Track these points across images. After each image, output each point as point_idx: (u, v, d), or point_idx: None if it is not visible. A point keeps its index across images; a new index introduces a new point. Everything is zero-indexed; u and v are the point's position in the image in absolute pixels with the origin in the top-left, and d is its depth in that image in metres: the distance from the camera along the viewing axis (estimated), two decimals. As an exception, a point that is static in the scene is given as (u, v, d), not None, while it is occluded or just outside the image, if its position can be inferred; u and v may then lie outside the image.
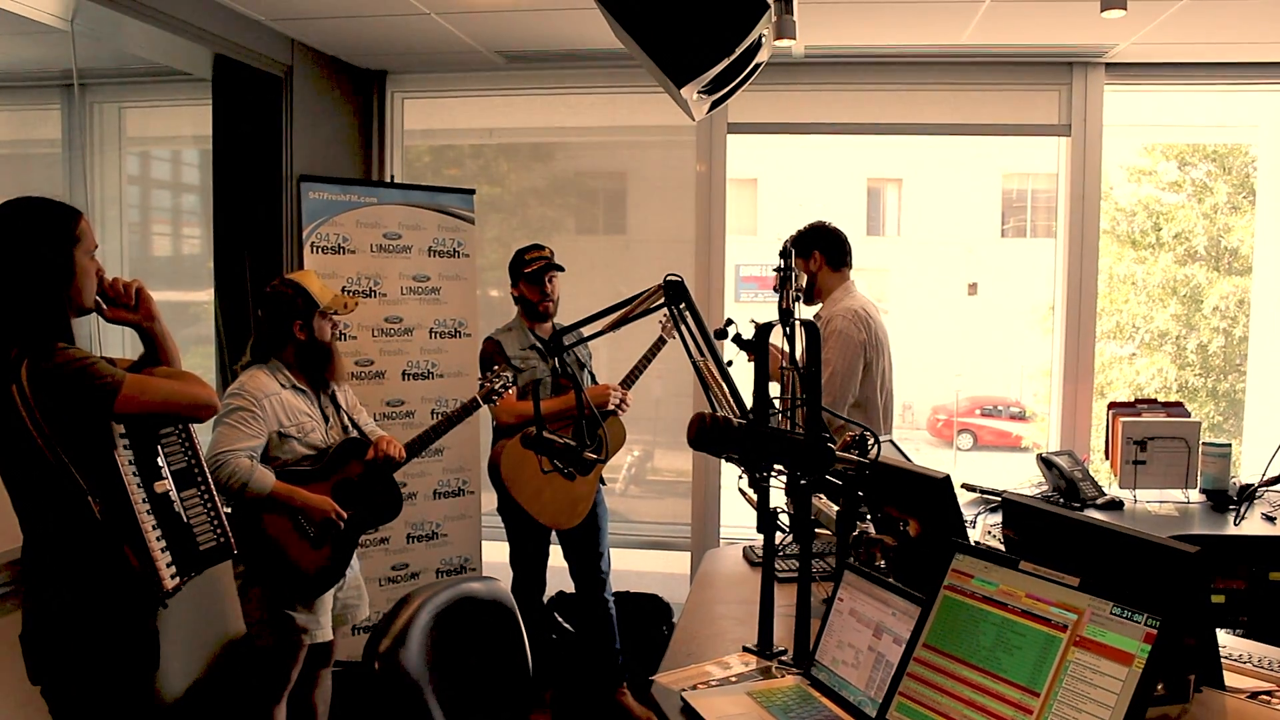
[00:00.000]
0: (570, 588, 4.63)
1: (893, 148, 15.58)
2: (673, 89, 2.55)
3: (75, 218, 2.45)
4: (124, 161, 5.72)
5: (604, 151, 5.83)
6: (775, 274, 2.12)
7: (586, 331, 2.67)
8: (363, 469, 3.53)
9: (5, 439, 2.35)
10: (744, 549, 3.32)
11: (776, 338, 2.28)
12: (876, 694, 2.01)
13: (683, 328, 2.48)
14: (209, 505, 2.62)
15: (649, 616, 4.80)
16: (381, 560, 4.53)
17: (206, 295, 4.69)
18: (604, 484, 4.48)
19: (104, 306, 2.54)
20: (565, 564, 4.51)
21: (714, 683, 2.25)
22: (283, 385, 3.45)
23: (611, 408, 4.21)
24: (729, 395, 2.41)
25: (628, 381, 4.23)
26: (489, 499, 4.58)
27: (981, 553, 1.90)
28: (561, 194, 5.74)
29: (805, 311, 3.99)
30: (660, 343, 4.28)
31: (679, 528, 5.24)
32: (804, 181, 14.36)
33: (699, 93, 2.54)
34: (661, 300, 2.51)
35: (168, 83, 5.05)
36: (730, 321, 3.31)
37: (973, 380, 15.68)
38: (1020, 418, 15.70)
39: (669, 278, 2.50)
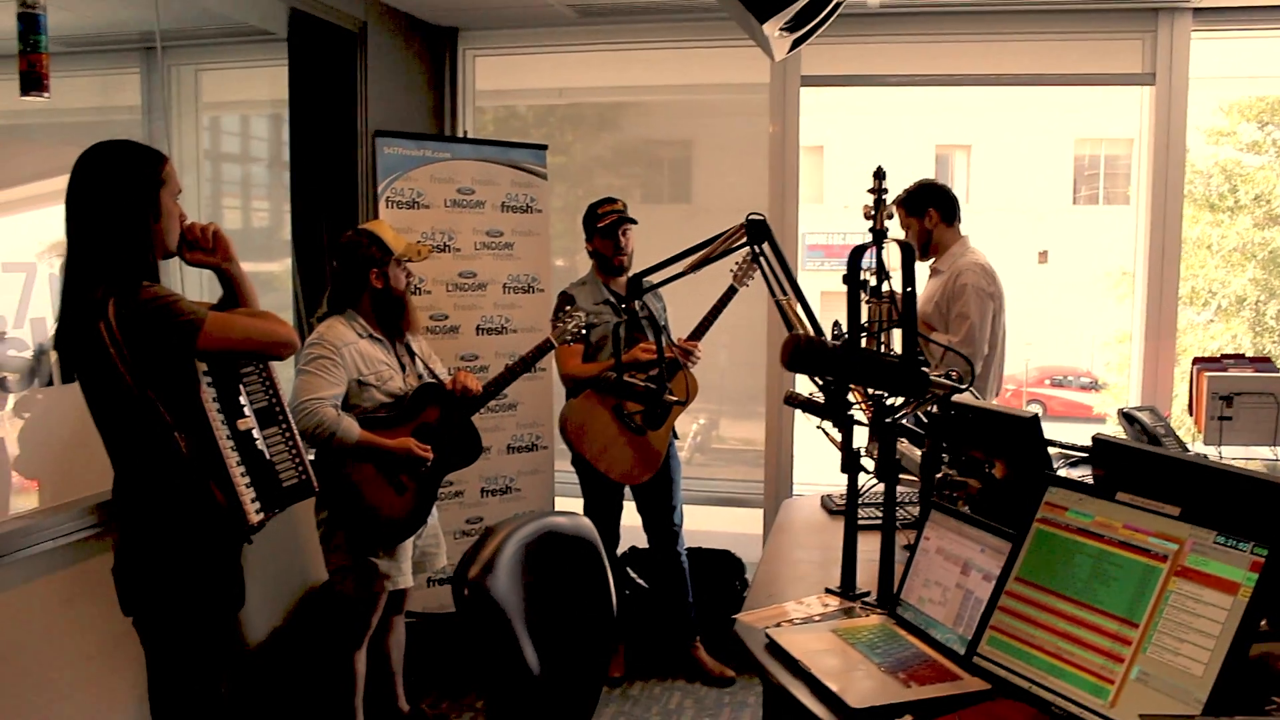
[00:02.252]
0: (643, 544, 4.65)
1: (961, 113, 15.35)
2: (755, 26, 2.52)
3: (161, 161, 2.49)
4: (200, 124, 5.80)
5: (672, 114, 5.79)
6: (870, 194, 2.09)
7: (668, 273, 2.66)
8: (440, 413, 3.56)
9: (95, 377, 2.41)
10: (822, 497, 3.29)
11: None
12: (965, 630, 1.99)
13: (765, 267, 2.46)
14: (290, 444, 2.66)
15: (722, 572, 4.79)
16: (456, 513, 4.58)
17: (281, 265, 4.74)
18: (676, 437, 4.47)
19: (184, 250, 2.58)
20: (639, 520, 4.53)
21: (797, 621, 2.24)
22: (360, 334, 3.48)
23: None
24: (814, 335, 2.39)
25: (697, 333, 4.19)
26: (562, 454, 4.61)
27: (1076, 485, 1.87)
28: (627, 163, 5.72)
29: (921, 267, 3.99)
30: (731, 292, 4.24)
31: (752, 484, 5.22)
32: (872, 148, 14.18)
33: (781, 29, 2.51)
34: (744, 239, 2.50)
35: (244, 43, 5.09)
36: None
37: (1043, 350, 15.45)
38: (1091, 388, 15.45)
39: (751, 216, 2.48)
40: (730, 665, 4.49)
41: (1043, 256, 16.04)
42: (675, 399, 2.68)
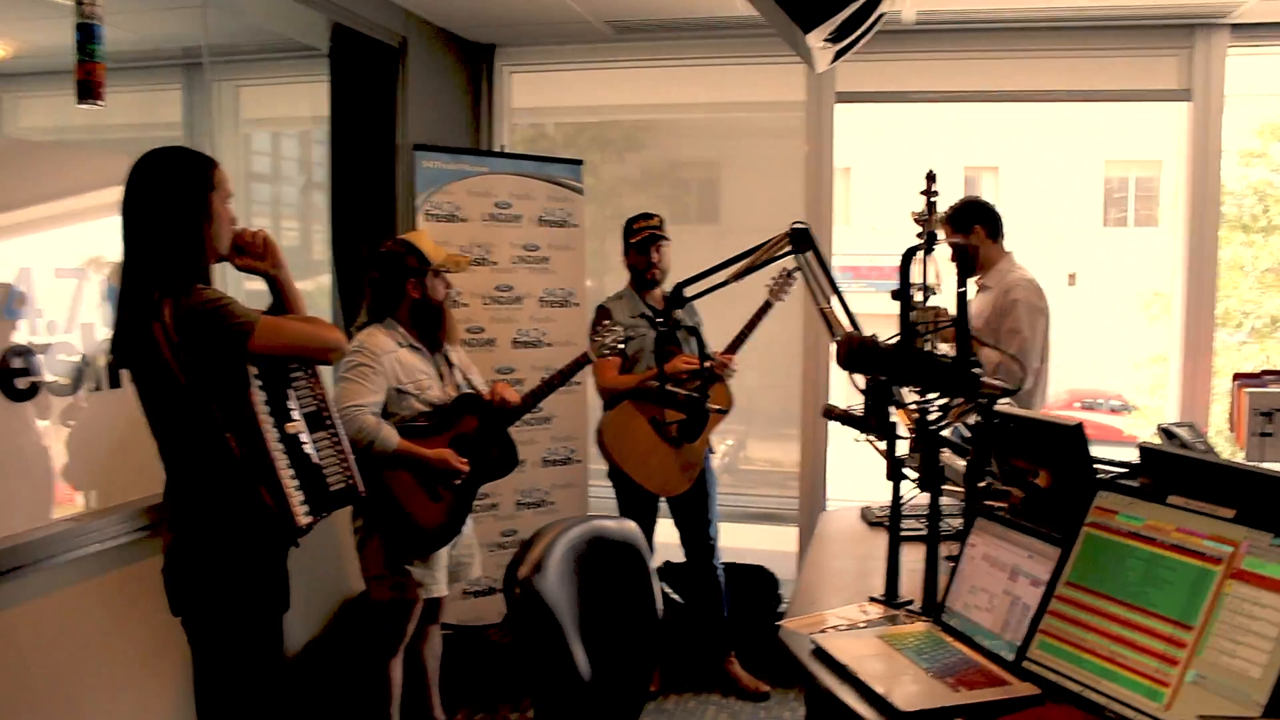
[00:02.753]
0: (677, 558, 4.65)
1: (989, 135, 15.33)
2: (798, 37, 2.54)
3: (212, 166, 2.54)
4: (240, 140, 5.87)
5: (701, 134, 5.82)
6: (922, 195, 2.10)
7: (711, 283, 2.67)
8: (478, 423, 3.58)
9: (150, 377, 2.45)
10: (861, 510, 3.29)
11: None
12: (1013, 637, 1.98)
13: (809, 275, 2.47)
14: (338, 448, 2.68)
15: (756, 587, 4.78)
16: (491, 526, 4.59)
17: (317, 283, 4.78)
18: (712, 451, 4.47)
19: (233, 255, 2.62)
20: (672, 537, 4.53)
21: (842, 628, 2.24)
22: (399, 343, 3.51)
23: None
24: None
25: (733, 346, 4.21)
26: (595, 468, 4.62)
27: (1126, 489, 1.86)
28: (655, 183, 5.75)
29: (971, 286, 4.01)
30: (766, 306, 4.25)
31: (785, 499, 5.21)
32: (899, 170, 14.18)
33: (824, 40, 2.52)
34: (787, 248, 2.51)
35: (285, 59, 5.16)
36: None
37: (1072, 372, 15.35)
38: (1121, 410, 15.33)
39: (795, 225, 2.49)
40: (765, 680, 4.47)
41: (1072, 279, 15.98)
42: (717, 407, 2.69)
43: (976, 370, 1.86)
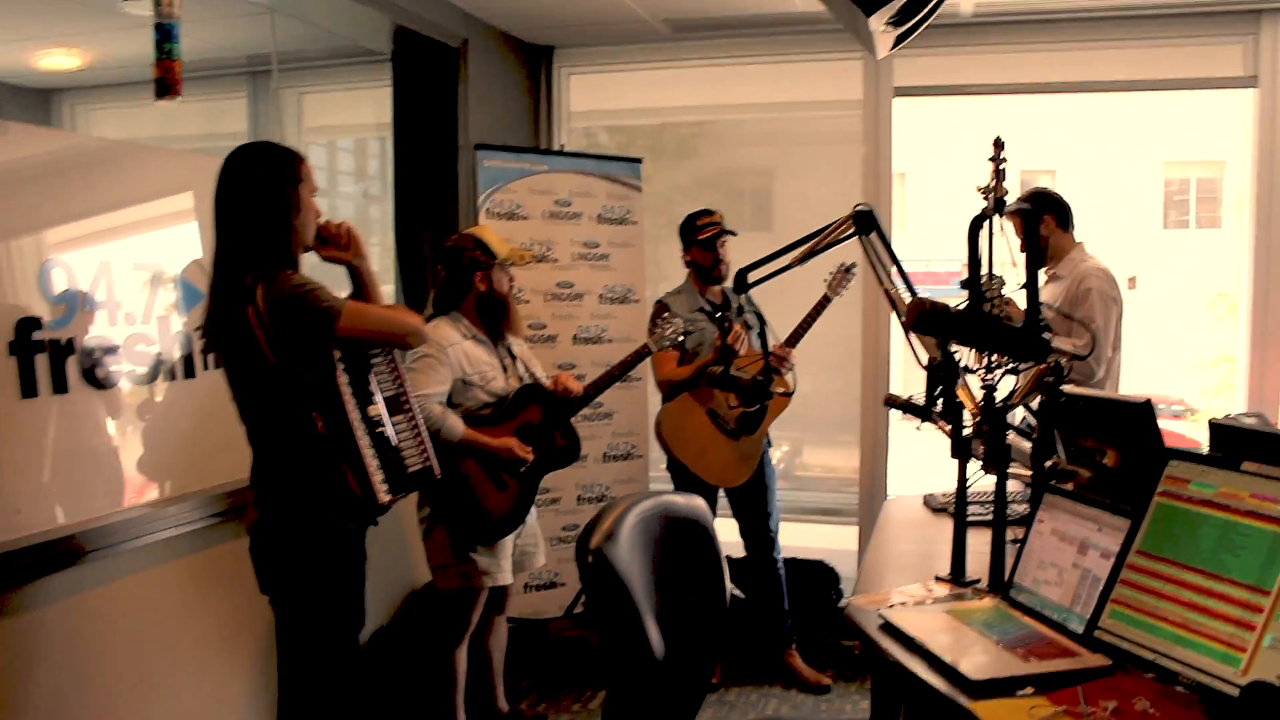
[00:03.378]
0: (737, 553, 4.65)
1: (1046, 138, 15.14)
2: (860, 22, 2.56)
3: (300, 160, 2.64)
4: (304, 147, 5.98)
5: (762, 134, 5.82)
6: (990, 162, 2.10)
7: (775, 266, 2.69)
8: (542, 413, 3.62)
9: (241, 358, 2.56)
10: (924, 496, 3.29)
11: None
12: (1083, 610, 1.97)
13: (872, 256, 2.48)
14: (415, 431, 2.76)
15: (817, 582, 4.78)
16: (552, 520, 4.63)
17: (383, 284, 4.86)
18: (770, 444, 4.48)
19: (318, 246, 2.71)
20: (731, 533, 4.53)
21: (909, 605, 2.25)
22: (464, 335, 3.56)
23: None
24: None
25: (791, 340, 4.22)
26: (656, 461, 4.64)
27: (1198, 457, 1.86)
28: (708, 190, 5.74)
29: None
30: (825, 301, 4.27)
31: (845, 496, 5.21)
32: (954, 175, 14.08)
33: (886, 23, 2.54)
34: (851, 230, 2.52)
35: (348, 65, 5.26)
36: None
37: (1133, 377, 15.10)
38: (1182, 415, 15.07)
39: (858, 207, 2.51)
40: (826, 673, 4.47)
41: (1132, 282, 15.74)
42: (781, 390, 2.70)
43: (1046, 335, 1.86)
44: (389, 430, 2.66)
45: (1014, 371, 2.22)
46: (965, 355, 2.33)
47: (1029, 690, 1.75)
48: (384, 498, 2.59)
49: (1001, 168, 2.06)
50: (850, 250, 4.25)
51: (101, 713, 2.83)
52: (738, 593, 4.70)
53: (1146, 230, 16.37)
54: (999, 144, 2.09)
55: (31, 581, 2.61)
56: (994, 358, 2.23)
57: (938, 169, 14.57)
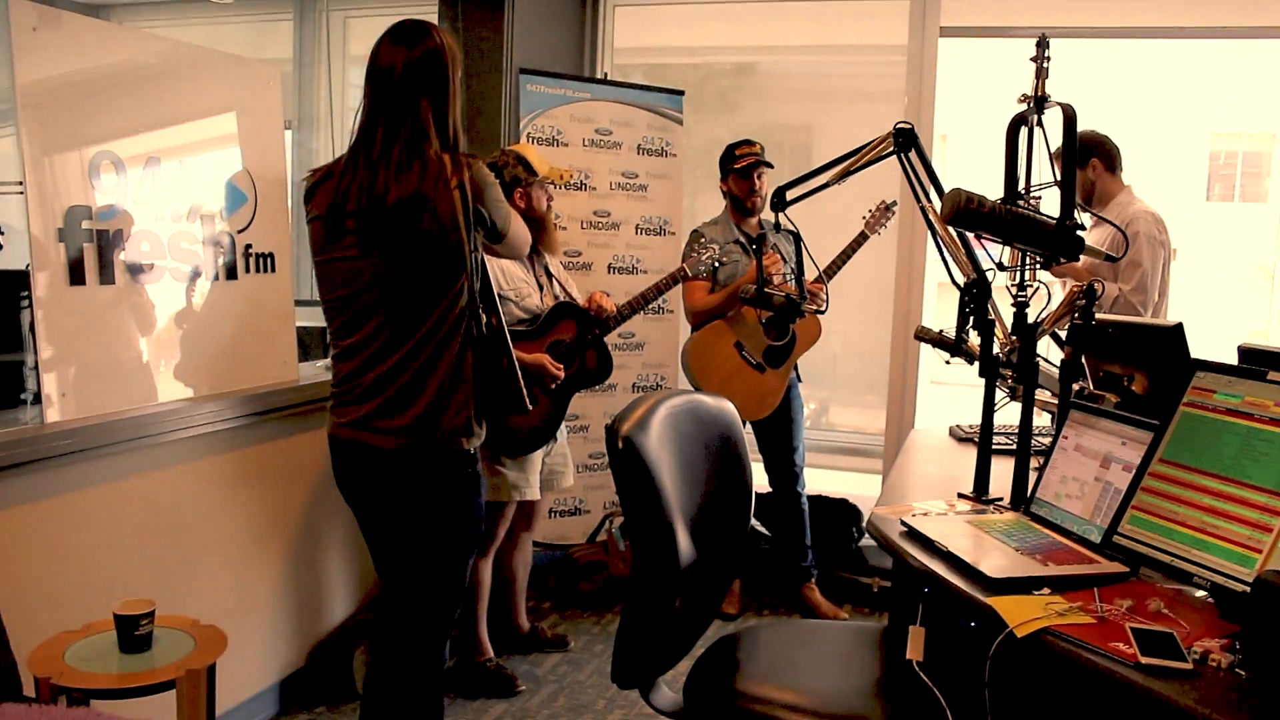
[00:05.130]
0: (762, 491, 4.69)
1: (1089, 108, 14.88)
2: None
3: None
4: (347, 73, 6.02)
5: (803, 84, 5.78)
6: (1031, 62, 2.11)
7: (813, 185, 2.71)
8: (575, 330, 3.66)
9: (420, 237, 2.38)
10: (950, 427, 3.31)
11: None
12: (1103, 520, 2.00)
13: (911, 175, 2.49)
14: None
15: (839, 519, 4.81)
16: (580, 447, 4.68)
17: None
18: (799, 379, 4.51)
19: None
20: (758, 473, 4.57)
21: (933, 515, 2.28)
22: (501, 251, 3.60)
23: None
24: (960, 248, 2.41)
25: (829, 273, 4.20)
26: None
27: (1225, 368, 1.87)
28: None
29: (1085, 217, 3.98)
30: (862, 238, 4.27)
31: (871, 437, 5.24)
32: (997, 140, 13.88)
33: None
34: (891, 148, 2.53)
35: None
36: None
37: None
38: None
39: (899, 124, 2.51)
40: (844, 608, 4.53)
41: (1173, 254, 15.53)
42: (814, 308, 2.73)
43: (1081, 233, 1.87)
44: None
45: (1045, 266, 2.22)
46: (997, 272, 2.36)
47: (1045, 591, 1.78)
48: (529, 405, 2.65)
49: (1045, 65, 2.06)
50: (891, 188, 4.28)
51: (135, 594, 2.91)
52: (762, 529, 4.75)
53: (1189, 203, 16.16)
54: (1043, 43, 2.09)
55: (68, 464, 2.67)
56: (1027, 272, 2.24)
57: (982, 132, 14.40)
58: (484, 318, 2.51)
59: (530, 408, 2.66)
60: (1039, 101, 2.04)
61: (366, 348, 2.44)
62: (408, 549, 2.56)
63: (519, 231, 2.66)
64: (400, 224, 2.35)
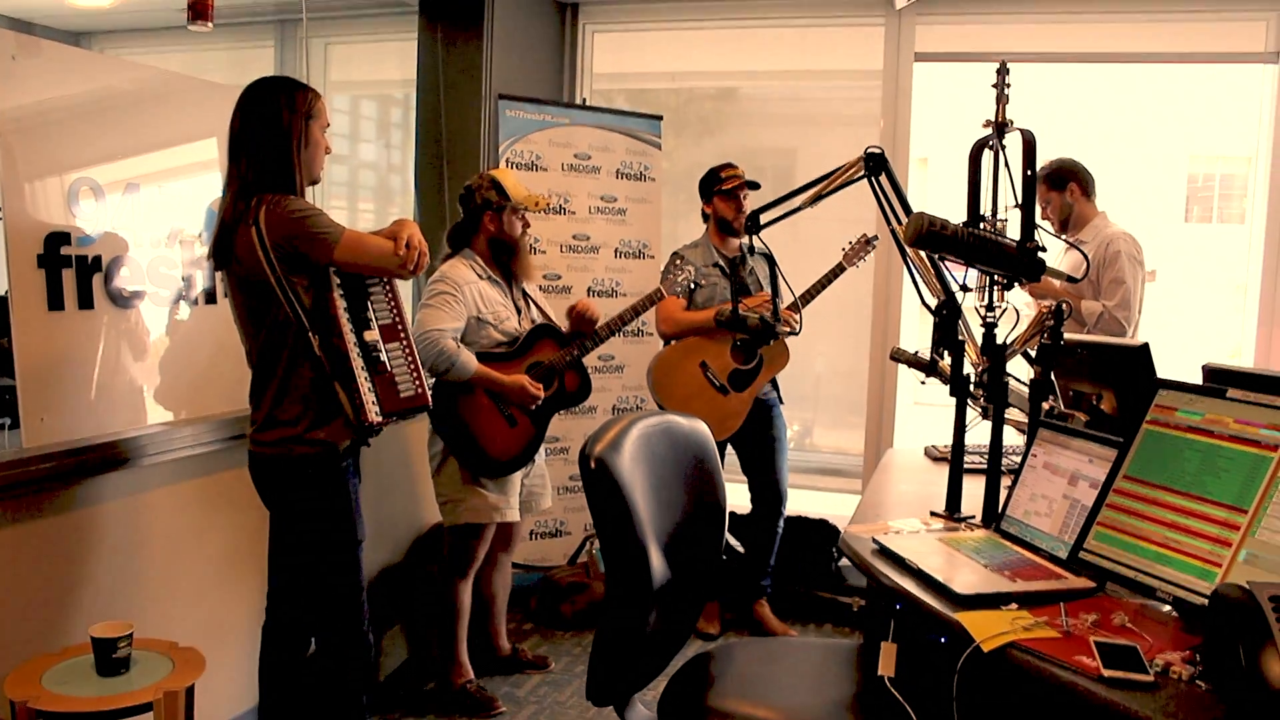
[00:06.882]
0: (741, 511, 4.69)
1: (1068, 131, 15.04)
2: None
3: (314, 94, 2.73)
4: (329, 98, 6.04)
5: (783, 105, 5.84)
6: (992, 88, 2.15)
7: (786, 208, 2.74)
8: (554, 352, 3.69)
9: (243, 276, 2.65)
10: (925, 447, 3.34)
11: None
12: (1070, 537, 2.03)
13: (882, 200, 2.53)
14: (409, 359, 2.82)
15: (818, 539, 4.82)
16: (560, 469, 4.70)
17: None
18: (782, 401, 4.53)
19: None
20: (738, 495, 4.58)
21: (906, 533, 2.30)
22: (479, 275, 3.63)
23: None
24: (931, 270, 2.45)
25: (804, 299, 4.20)
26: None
27: (1186, 386, 1.91)
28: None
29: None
30: (839, 269, 4.28)
31: (853, 457, 5.27)
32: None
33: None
34: (861, 173, 2.57)
35: (376, 16, 5.32)
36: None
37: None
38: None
39: (870, 149, 2.55)
40: (824, 627, 4.54)
41: (1151, 275, 15.66)
42: (788, 330, 2.76)
43: (1042, 255, 1.91)
44: (383, 355, 2.75)
45: (1008, 288, 2.26)
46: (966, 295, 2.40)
47: (1013, 606, 1.81)
48: (374, 417, 2.69)
49: (1005, 91, 2.11)
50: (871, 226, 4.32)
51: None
52: (738, 547, 4.76)
53: (1168, 224, 16.30)
54: (1003, 69, 2.13)
55: (45, 490, 2.67)
56: (995, 294, 2.28)
57: (963, 155, 14.50)
58: (314, 339, 2.66)
59: (375, 420, 2.70)
60: (999, 128, 2.08)
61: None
62: (274, 549, 2.91)
63: (370, 250, 2.71)
64: (223, 261, 2.69)
